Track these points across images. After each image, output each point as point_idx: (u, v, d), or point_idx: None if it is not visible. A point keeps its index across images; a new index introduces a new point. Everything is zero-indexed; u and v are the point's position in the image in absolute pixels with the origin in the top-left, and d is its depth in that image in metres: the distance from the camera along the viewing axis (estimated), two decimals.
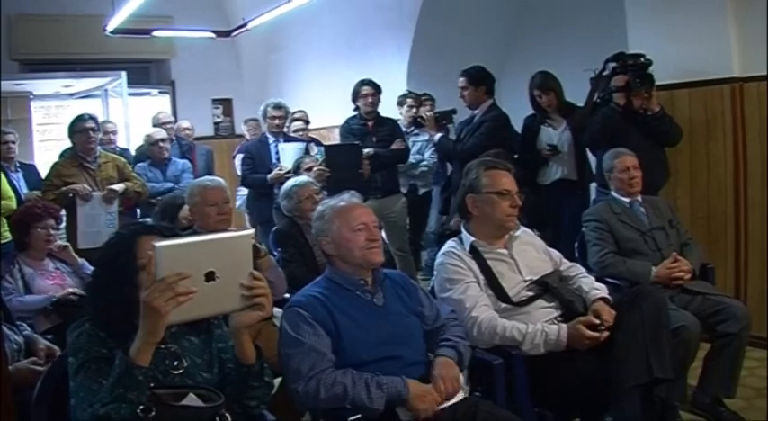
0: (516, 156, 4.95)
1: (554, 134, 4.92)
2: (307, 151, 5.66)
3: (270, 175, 5.43)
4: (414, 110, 6.35)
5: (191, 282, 1.67)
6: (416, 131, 6.31)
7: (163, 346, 1.93)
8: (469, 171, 3.10)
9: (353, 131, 5.52)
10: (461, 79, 5.12)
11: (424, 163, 6.33)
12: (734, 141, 4.40)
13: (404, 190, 6.02)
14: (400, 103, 6.47)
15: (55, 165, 5.25)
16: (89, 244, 4.60)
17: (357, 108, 5.54)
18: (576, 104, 4.87)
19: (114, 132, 6.81)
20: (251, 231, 1.87)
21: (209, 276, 1.71)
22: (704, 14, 4.42)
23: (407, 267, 5.53)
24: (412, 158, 6.07)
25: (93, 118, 5.27)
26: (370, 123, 5.49)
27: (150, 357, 1.74)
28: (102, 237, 4.69)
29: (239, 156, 6.70)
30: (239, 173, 6.62)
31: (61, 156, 6.15)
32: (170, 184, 5.83)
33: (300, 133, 6.40)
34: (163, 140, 6.06)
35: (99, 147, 5.41)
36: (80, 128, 5.12)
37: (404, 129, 6.03)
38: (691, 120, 4.55)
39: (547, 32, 6.82)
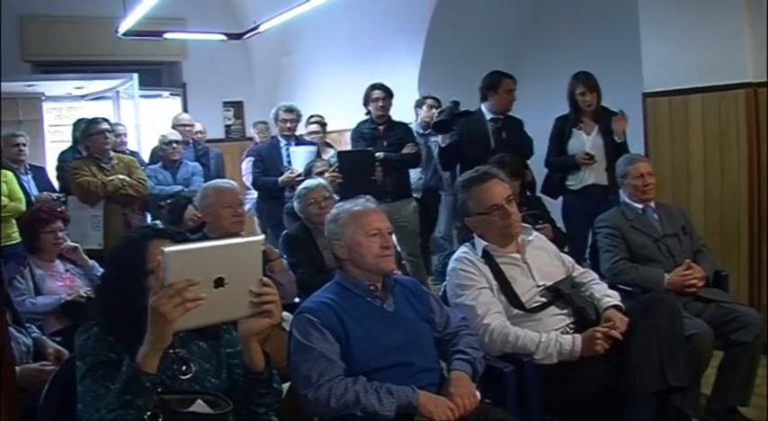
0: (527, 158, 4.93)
1: (586, 139, 4.84)
2: (318, 154, 5.64)
3: (281, 178, 5.42)
4: (433, 110, 6.23)
5: (199, 289, 1.64)
6: (433, 133, 6.24)
7: (171, 351, 1.91)
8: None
9: (364, 135, 5.50)
10: (513, 82, 5.04)
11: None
12: (748, 147, 4.35)
13: (417, 195, 5.99)
14: (419, 105, 6.41)
15: (74, 163, 5.37)
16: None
17: (368, 112, 5.52)
18: (610, 109, 4.83)
19: (124, 134, 6.87)
20: (261, 237, 1.84)
21: (219, 282, 1.68)
22: (718, 18, 4.37)
23: (418, 272, 5.50)
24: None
25: (106, 120, 5.45)
26: (381, 127, 5.48)
27: (157, 363, 1.72)
28: (89, 238, 4.87)
29: (247, 160, 6.70)
30: (244, 177, 6.61)
31: (60, 157, 6.25)
32: (180, 187, 5.81)
33: (314, 136, 6.40)
34: (176, 142, 6.07)
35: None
36: (95, 130, 5.27)
37: (420, 131, 6.00)
38: (704, 125, 4.52)
39: (559, 35, 6.79)
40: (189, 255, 1.67)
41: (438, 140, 5.57)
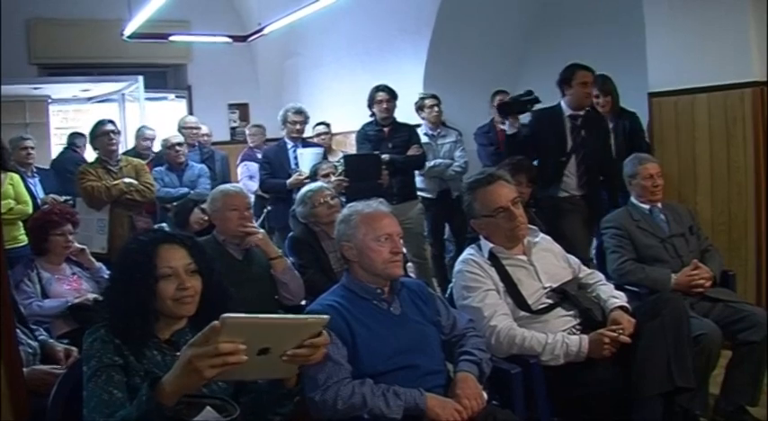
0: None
1: None
2: (324, 157, 5.63)
3: (289, 181, 5.40)
4: (436, 108, 6.08)
5: (243, 352, 1.58)
6: (443, 133, 6.18)
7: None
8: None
9: (369, 137, 5.49)
10: (589, 73, 4.73)
11: (457, 164, 6.04)
12: (755, 146, 4.33)
13: (432, 195, 5.97)
14: (420, 108, 6.21)
15: (82, 167, 5.36)
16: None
17: (373, 114, 5.51)
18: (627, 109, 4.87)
19: (153, 139, 6.79)
20: (326, 317, 1.75)
21: (264, 351, 1.62)
22: (724, 17, 4.36)
23: (424, 274, 5.50)
24: (436, 161, 5.95)
25: (112, 122, 5.42)
26: (386, 129, 5.47)
27: (178, 398, 1.67)
28: (94, 242, 4.87)
29: (243, 165, 6.75)
30: (240, 181, 6.58)
31: (55, 159, 6.29)
32: (185, 190, 5.81)
33: (322, 137, 6.39)
34: (179, 145, 6.05)
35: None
36: (101, 131, 5.24)
37: (429, 132, 5.98)
38: (711, 125, 4.50)
39: (564, 36, 6.78)
40: (247, 326, 1.59)
41: (505, 127, 4.98)
